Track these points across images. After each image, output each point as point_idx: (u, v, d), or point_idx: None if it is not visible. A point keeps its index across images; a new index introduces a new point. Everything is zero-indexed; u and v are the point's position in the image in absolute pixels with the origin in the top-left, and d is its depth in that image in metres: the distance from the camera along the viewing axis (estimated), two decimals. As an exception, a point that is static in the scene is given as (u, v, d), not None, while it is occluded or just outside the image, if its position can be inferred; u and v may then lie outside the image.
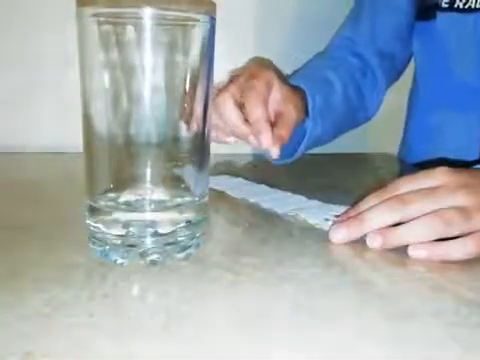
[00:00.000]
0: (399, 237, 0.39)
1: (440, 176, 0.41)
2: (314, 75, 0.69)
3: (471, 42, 0.64)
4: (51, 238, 0.40)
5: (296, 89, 0.61)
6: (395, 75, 0.78)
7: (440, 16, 0.66)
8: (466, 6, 0.63)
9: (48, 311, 0.29)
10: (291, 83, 0.62)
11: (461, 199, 0.39)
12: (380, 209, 0.40)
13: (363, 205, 0.42)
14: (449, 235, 0.38)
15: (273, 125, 0.55)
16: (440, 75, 0.69)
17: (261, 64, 0.66)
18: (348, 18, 0.78)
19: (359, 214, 0.41)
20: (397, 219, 0.40)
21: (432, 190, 0.40)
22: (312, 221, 0.46)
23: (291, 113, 0.57)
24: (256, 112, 0.54)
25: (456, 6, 0.64)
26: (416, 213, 0.39)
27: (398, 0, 0.73)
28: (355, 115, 0.74)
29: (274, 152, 0.53)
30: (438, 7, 0.66)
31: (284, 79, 0.61)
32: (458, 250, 0.38)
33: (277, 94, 0.58)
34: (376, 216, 0.40)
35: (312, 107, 0.62)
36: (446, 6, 0.65)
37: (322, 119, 0.65)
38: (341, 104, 0.69)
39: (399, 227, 0.39)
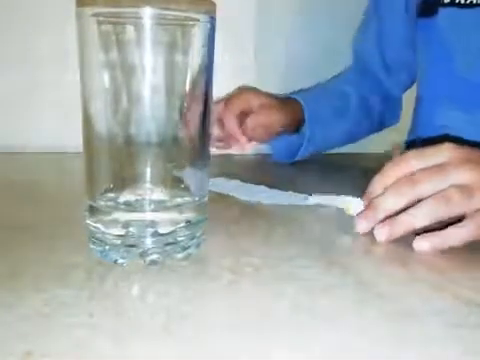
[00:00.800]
0: (403, 224, 0.40)
1: (447, 152, 0.41)
2: (320, 87, 0.76)
3: (473, 38, 0.64)
4: (51, 238, 0.40)
5: (290, 102, 0.70)
6: (410, 80, 0.79)
7: (442, 12, 0.66)
8: (467, 1, 0.64)
9: (48, 311, 0.29)
10: (291, 96, 0.72)
11: (466, 175, 0.40)
12: (390, 194, 0.41)
13: (375, 184, 0.43)
14: (452, 215, 0.39)
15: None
16: (442, 72, 0.69)
17: (244, 88, 0.74)
18: (357, 33, 0.81)
19: (372, 201, 0.42)
20: (406, 202, 0.40)
21: (439, 168, 0.40)
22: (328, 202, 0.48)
23: (262, 112, 0.67)
24: (230, 124, 0.67)
25: (457, 1, 0.64)
26: (425, 193, 0.40)
27: (399, 5, 0.74)
28: (376, 119, 0.80)
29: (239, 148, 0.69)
30: (440, 3, 0.66)
31: (270, 96, 0.71)
32: (459, 234, 0.39)
33: (254, 103, 0.68)
34: (387, 201, 0.41)
35: (308, 115, 0.69)
36: (447, 1, 0.65)
37: (324, 126, 0.71)
38: (356, 110, 0.75)
39: (402, 215, 0.40)
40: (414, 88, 0.78)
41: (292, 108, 0.69)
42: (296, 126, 0.71)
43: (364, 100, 0.76)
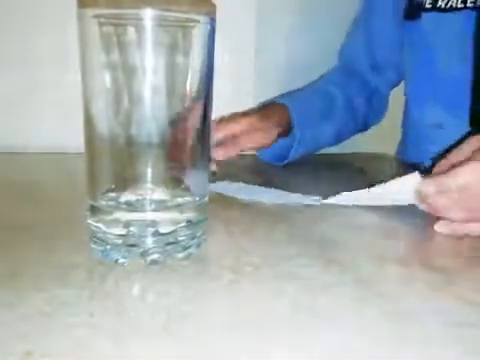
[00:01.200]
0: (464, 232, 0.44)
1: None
2: (305, 89, 0.77)
3: (452, 40, 0.66)
4: (52, 238, 0.40)
5: (275, 108, 0.70)
6: (398, 78, 0.81)
7: (424, 16, 0.68)
8: (448, 5, 0.66)
9: (49, 311, 0.29)
10: (278, 101, 0.72)
11: None
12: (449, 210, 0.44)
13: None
14: None
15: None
16: (425, 73, 0.71)
17: (222, 117, 0.71)
18: (347, 35, 0.81)
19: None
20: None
21: None
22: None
23: (245, 138, 0.67)
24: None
25: (438, 6, 0.66)
26: None
27: (388, 8, 0.76)
28: (360, 120, 0.80)
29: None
30: (422, 7, 0.68)
31: (250, 118, 0.69)
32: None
33: (237, 129, 0.67)
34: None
35: (296, 118, 0.70)
36: (429, 6, 0.67)
37: (313, 127, 0.72)
38: (342, 112, 0.76)
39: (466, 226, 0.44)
40: (402, 88, 0.79)
41: (278, 117, 0.70)
42: (284, 131, 0.71)
43: (349, 102, 0.78)
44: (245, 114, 0.70)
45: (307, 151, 0.74)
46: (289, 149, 0.72)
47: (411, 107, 0.76)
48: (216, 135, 0.66)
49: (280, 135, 0.70)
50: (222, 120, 0.68)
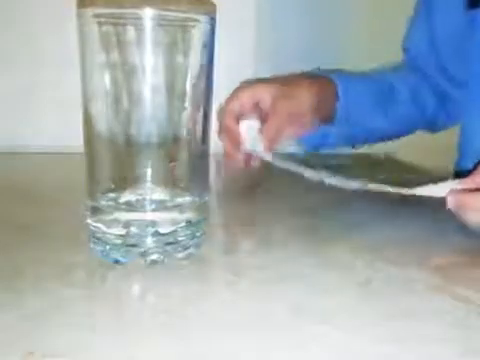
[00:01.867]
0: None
1: None
2: (366, 75, 0.68)
3: None
4: (51, 238, 0.40)
5: (318, 83, 0.60)
6: None
7: None
8: None
9: (48, 311, 0.29)
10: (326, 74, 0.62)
11: None
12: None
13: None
14: None
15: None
16: (477, 71, 0.61)
17: (246, 83, 0.63)
18: (407, 32, 0.73)
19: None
20: None
21: None
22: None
23: (280, 107, 0.57)
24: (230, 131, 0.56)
25: None
26: None
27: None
28: (429, 119, 0.73)
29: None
30: None
31: (282, 82, 0.60)
32: None
33: (265, 99, 0.58)
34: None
35: (343, 95, 0.61)
36: None
37: (364, 115, 0.64)
38: (404, 106, 0.68)
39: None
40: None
41: (319, 91, 0.59)
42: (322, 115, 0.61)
43: (415, 97, 0.69)
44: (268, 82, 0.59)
45: (353, 139, 0.65)
46: (326, 136, 0.61)
47: (464, 114, 0.66)
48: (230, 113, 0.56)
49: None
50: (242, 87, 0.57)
